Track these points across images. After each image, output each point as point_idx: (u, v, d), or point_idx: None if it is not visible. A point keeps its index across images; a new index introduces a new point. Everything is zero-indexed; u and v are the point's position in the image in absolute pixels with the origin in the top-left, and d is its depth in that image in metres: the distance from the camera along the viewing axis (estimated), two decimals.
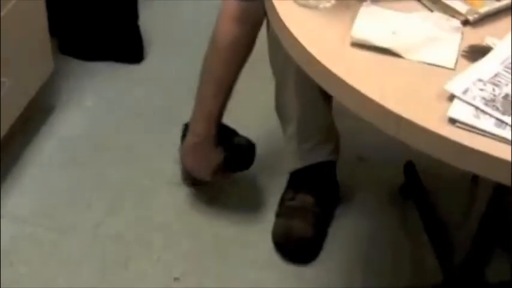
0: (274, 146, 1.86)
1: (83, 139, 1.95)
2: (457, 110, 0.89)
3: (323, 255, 1.68)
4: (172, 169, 1.83)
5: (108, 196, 1.78)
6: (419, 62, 0.98)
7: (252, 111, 2.02)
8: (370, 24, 1.02)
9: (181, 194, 1.80)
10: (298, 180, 1.73)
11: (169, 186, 1.82)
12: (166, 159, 1.88)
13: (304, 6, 1.06)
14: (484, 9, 1.06)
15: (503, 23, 1.05)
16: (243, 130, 1.72)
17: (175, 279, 1.61)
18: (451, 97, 0.91)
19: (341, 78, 0.94)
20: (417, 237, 1.71)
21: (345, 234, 1.74)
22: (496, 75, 0.95)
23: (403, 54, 0.98)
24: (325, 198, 1.73)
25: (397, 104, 0.90)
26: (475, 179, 1.82)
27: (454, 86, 0.92)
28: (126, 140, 1.96)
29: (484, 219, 1.37)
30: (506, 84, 0.93)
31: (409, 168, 1.81)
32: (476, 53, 1.00)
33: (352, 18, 1.03)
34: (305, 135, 1.67)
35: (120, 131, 1.98)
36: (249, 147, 1.70)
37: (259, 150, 1.72)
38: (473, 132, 0.87)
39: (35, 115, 1.96)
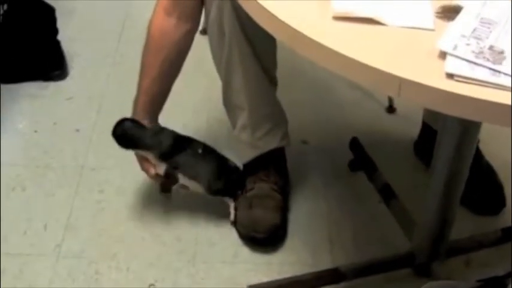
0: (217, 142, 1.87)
1: (25, 163, 1.88)
2: (453, 65, 0.93)
3: (288, 240, 1.70)
4: (119, 178, 1.82)
5: (63, 215, 1.74)
6: (401, 27, 1.02)
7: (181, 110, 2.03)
8: None
9: (134, 202, 1.78)
10: (253, 170, 1.74)
11: (120, 196, 1.80)
12: (111, 171, 1.86)
13: None
14: None
15: None
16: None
17: (151, 285, 1.59)
18: (442, 54, 0.95)
19: (334, 49, 0.96)
20: (374, 208, 1.77)
21: (303, 216, 1.76)
22: (474, 30, 1.00)
23: (385, 22, 1.02)
24: (281, 184, 1.75)
25: (394, 67, 0.93)
26: (417, 145, 1.90)
27: (444, 43, 0.96)
28: (70, 156, 1.91)
29: (449, 178, 1.43)
30: (487, 37, 0.98)
31: (355, 144, 1.87)
32: (448, 12, 1.04)
33: None
34: (257, 123, 1.69)
35: (62, 149, 1.93)
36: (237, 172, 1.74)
37: None
38: (471, 83, 0.91)
39: None
